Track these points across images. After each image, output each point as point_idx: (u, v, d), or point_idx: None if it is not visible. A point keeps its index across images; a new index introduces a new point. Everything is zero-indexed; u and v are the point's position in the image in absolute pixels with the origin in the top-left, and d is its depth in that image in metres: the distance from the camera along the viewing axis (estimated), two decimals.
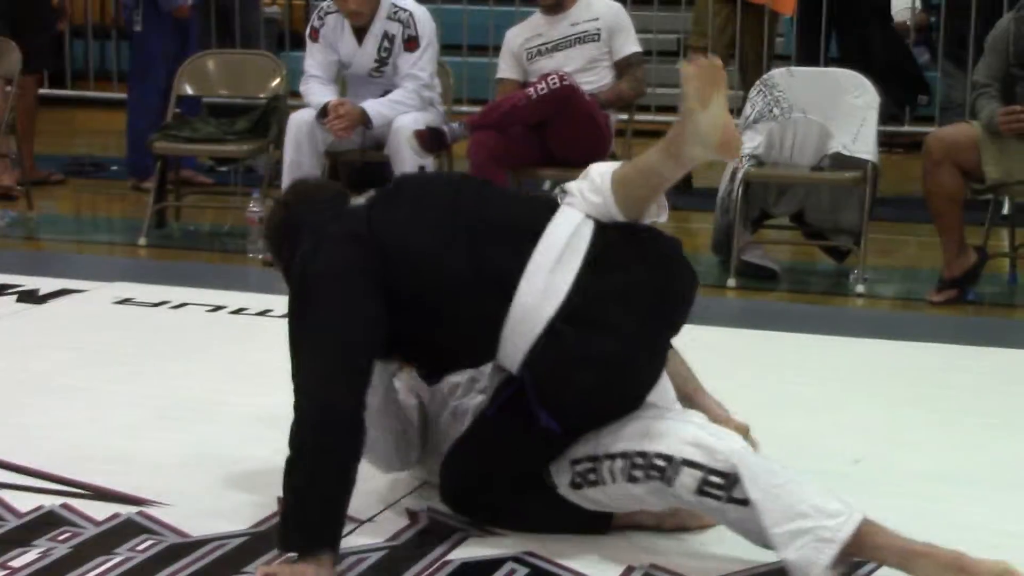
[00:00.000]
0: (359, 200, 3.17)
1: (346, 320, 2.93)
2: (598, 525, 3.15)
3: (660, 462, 2.92)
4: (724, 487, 2.87)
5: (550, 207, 3.07)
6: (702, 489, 2.89)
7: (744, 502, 2.86)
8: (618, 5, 6.45)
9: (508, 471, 3.11)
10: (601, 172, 3.06)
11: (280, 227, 3.25)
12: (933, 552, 2.83)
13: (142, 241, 6.62)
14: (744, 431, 3.27)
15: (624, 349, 2.95)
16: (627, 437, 2.98)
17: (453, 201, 3.13)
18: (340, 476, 2.87)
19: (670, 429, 2.96)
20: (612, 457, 2.99)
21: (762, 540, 2.89)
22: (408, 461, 3.31)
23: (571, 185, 3.09)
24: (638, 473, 2.95)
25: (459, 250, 2.99)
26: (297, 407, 2.88)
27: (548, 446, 3.05)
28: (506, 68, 6.29)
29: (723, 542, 3.09)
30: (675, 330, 3.12)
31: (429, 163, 6.01)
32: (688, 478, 2.90)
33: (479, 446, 3.12)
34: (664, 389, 3.18)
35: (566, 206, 3.05)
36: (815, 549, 2.80)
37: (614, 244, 3.00)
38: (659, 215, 3.14)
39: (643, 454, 2.94)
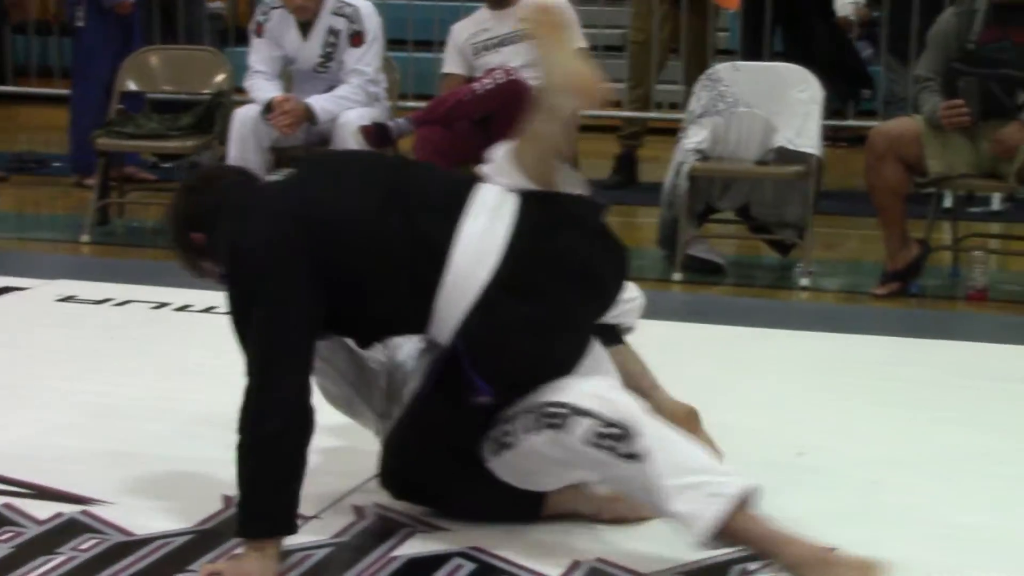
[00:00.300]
0: (274, 178, 3.15)
1: (285, 301, 2.90)
2: (529, 507, 3.15)
3: (557, 410, 2.91)
4: (617, 438, 2.85)
5: (472, 181, 3.09)
6: (594, 440, 2.86)
7: (635, 457, 2.84)
8: (564, 1, 6.44)
9: (444, 449, 3.10)
10: (502, 150, 3.10)
11: (191, 213, 3.15)
12: (802, 541, 2.82)
13: (85, 238, 6.58)
14: (695, 422, 3.29)
15: (555, 315, 2.96)
16: (538, 395, 2.97)
17: (377, 173, 3.13)
18: (287, 461, 2.87)
19: (574, 384, 2.96)
20: (519, 414, 2.98)
21: (649, 497, 2.87)
22: (381, 413, 3.30)
23: (483, 169, 3.12)
24: (538, 423, 2.94)
25: (391, 219, 2.97)
26: (245, 391, 2.87)
27: (481, 420, 3.04)
28: (452, 63, 6.28)
29: (669, 536, 3.10)
30: (605, 301, 3.12)
31: None
32: (580, 428, 2.87)
33: (414, 426, 3.11)
34: (603, 368, 3.16)
35: (487, 182, 3.08)
36: (704, 503, 2.79)
37: (540, 214, 3.01)
38: (575, 188, 3.15)
39: (543, 405, 2.94)
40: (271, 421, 2.84)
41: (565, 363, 3.01)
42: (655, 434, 2.86)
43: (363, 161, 3.36)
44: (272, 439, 2.84)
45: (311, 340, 2.94)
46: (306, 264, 2.91)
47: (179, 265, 3.24)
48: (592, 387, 2.94)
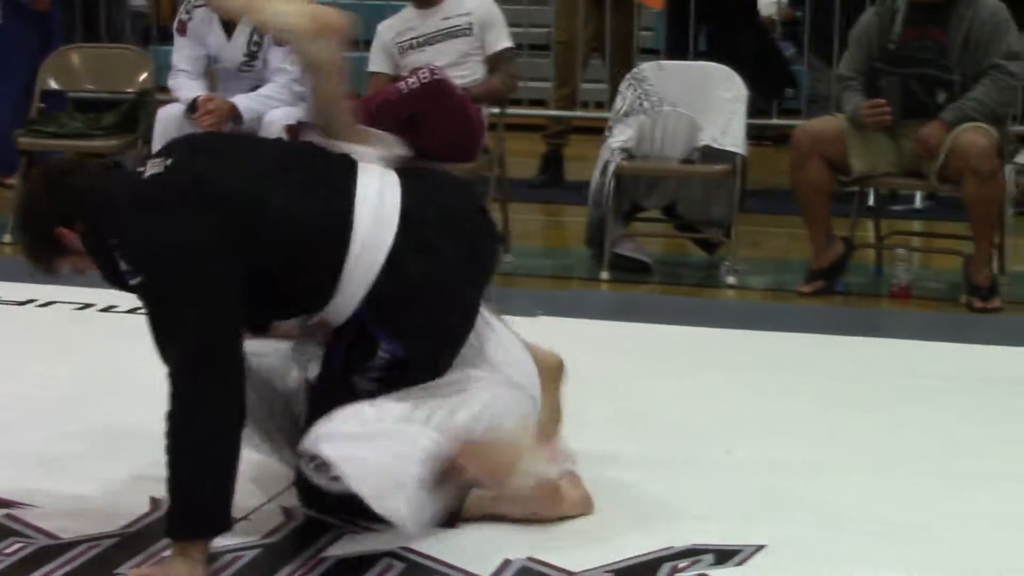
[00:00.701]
0: (150, 167, 2.99)
1: (211, 297, 2.86)
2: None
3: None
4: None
5: (347, 155, 3.14)
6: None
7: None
8: (490, 0, 6.45)
9: None
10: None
11: (56, 208, 2.99)
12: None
13: (7, 238, 6.49)
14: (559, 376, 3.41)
15: (453, 271, 3.05)
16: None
17: (260, 152, 3.18)
18: (222, 460, 2.85)
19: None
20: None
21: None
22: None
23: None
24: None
25: (290, 192, 2.96)
26: (175, 389, 2.83)
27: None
28: (377, 62, 6.25)
29: (600, 533, 3.11)
30: (486, 265, 3.21)
31: None
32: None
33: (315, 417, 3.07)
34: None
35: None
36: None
37: (420, 181, 3.12)
38: (390, 148, 3.26)
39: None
40: (205, 420, 2.81)
41: (467, 315, 3.12)
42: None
43: (241, 142, 3.40)
44: (207, 438, 2.82)
45: (239, 335, 2.92)
46: (225, 254, 2.87)
47: (29, 262, 3.09)
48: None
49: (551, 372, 3.41)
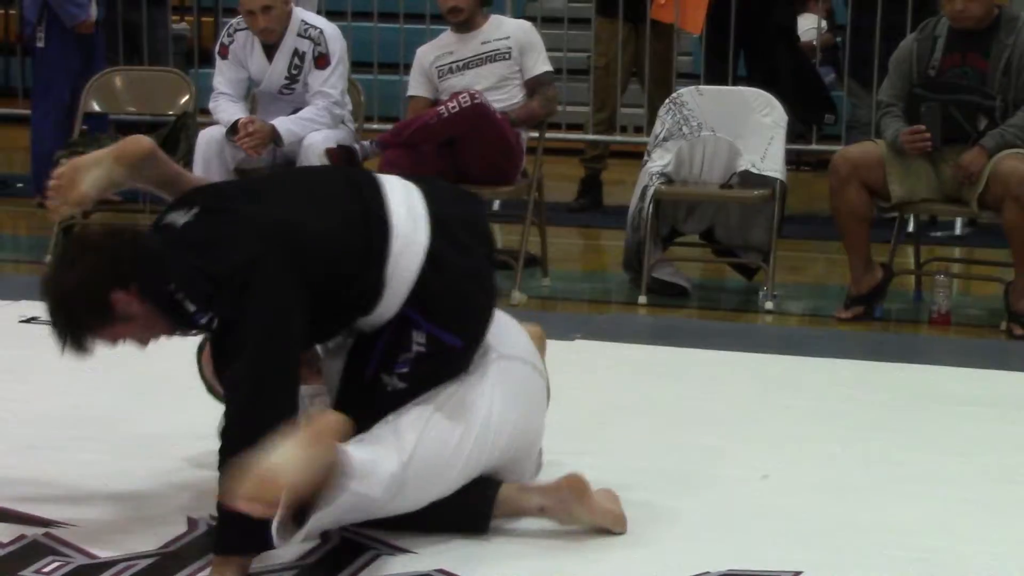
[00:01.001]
0: (176, 217, 3.06)
1: (280, 320, 2.94)
2: (478, 513, 3.21)
3: None
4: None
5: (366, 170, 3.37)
6: None
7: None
8: (528, 24, 6.46)
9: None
10: None
11: (105, 273, 2.96)
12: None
13: (48, 259, 6.53)
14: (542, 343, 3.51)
15: (483, 266, 3.26)
16: None
17: (284, 182, 3.35)
18: None
19: None
20: None
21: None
22: None
23: None
24: None
25: (324, 212, 3.08)
26: (232, 409, 2.88)
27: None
28: (417, 86, 6.28)
29: (636, 555, 3.10)
30: (494, 269, 3.41)
31: None
32: None
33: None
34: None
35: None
36: None
37: (436, 190, 3.26)
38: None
39: None
40: (264, 435, 2.81)
41: (493, 305, 3.28)
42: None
43: (261, 179, 3.64)
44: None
45: (299, 357, 3.02)
46: (284, 280, 2.95)
47: (66, 338, 3.02)
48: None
49: (537, 342, 3.50)
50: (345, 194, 3.15)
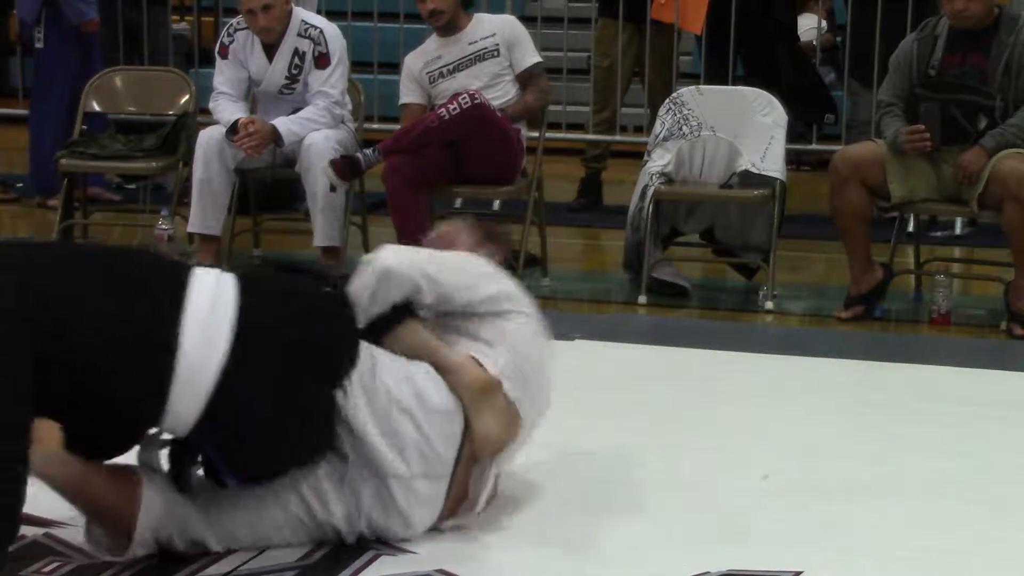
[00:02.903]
0: None
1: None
2: None
3: None
4: None
5: (180, 264, 2.99)
6: None
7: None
8: (511, 17, 6.47)
9: None
10: None
11: None
12: None
13: None
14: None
15: (289, 403, 2.91)
16: None
17: (80, 259, 2.93)
18: None
19: None
20: None
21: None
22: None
23: None
24: None
25: (107, 303, 2.77)
26: None
27: None
28: (408, 93, 6.26)
29: (636, 556, 3.10)
30: (339, 372, 3.01)
31: (343, 190, 6.01)
32: None
33: None
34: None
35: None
36: None
37: (261, 296, 2.95)
38: None
39: None
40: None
41: (311, 449, 3.01)
42: None
43: (55, 248, 3.19)
44: None
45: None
46: (16, 348, 2.67)
47: None
48: None
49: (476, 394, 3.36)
50: (140, 290, 2.83)
